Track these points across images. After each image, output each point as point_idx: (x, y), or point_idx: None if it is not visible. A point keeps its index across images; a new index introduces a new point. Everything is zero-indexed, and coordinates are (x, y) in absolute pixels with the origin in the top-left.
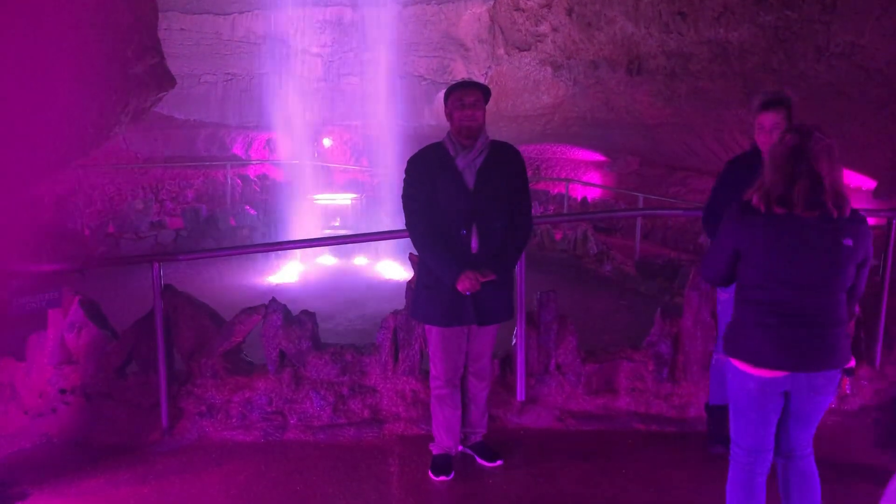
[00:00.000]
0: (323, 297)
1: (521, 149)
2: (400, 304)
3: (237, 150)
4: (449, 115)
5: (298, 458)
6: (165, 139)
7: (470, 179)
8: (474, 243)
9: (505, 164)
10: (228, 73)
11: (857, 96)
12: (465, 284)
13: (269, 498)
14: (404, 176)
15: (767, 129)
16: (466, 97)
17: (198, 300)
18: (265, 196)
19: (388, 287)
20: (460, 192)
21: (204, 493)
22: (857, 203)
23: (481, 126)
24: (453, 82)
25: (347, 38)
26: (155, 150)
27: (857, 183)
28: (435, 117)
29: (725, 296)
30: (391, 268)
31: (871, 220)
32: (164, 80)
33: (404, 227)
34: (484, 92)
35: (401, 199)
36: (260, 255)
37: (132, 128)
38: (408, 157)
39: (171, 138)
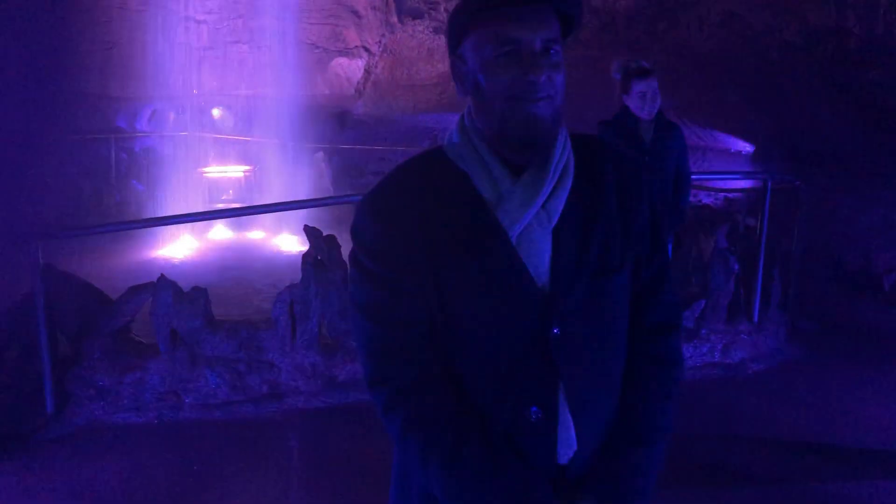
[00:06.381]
0: (216, 273)
1: (418, 119)
2: (296, 277)
3: (121, 122)
4: (471, 77)
5: (195, 438)
6: None
7: (540, 257)
8: (564, 435)
9: (613, 193)
10: (108, 41)
11: (735, 64)
12: None
13: (165, 479)
14: (352, 248)
15: (650, 97)
16: (522, 30)
17: (82, 279)
18: (152, 170)
19: (284, 260)
20: (517, 294)
21: (96, 478)
22: (735, 166)
23: (560, 113)
24: None
25: (235, 5)
26: None
27: (737, 147)
28: (328, 86)
29: None
30: (288, 241)
31: (748, 183)
32: None
33: (299, 200)
34: (561, 15)
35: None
36: (148, 230)
37: None
38: (301, 131)
39: None
